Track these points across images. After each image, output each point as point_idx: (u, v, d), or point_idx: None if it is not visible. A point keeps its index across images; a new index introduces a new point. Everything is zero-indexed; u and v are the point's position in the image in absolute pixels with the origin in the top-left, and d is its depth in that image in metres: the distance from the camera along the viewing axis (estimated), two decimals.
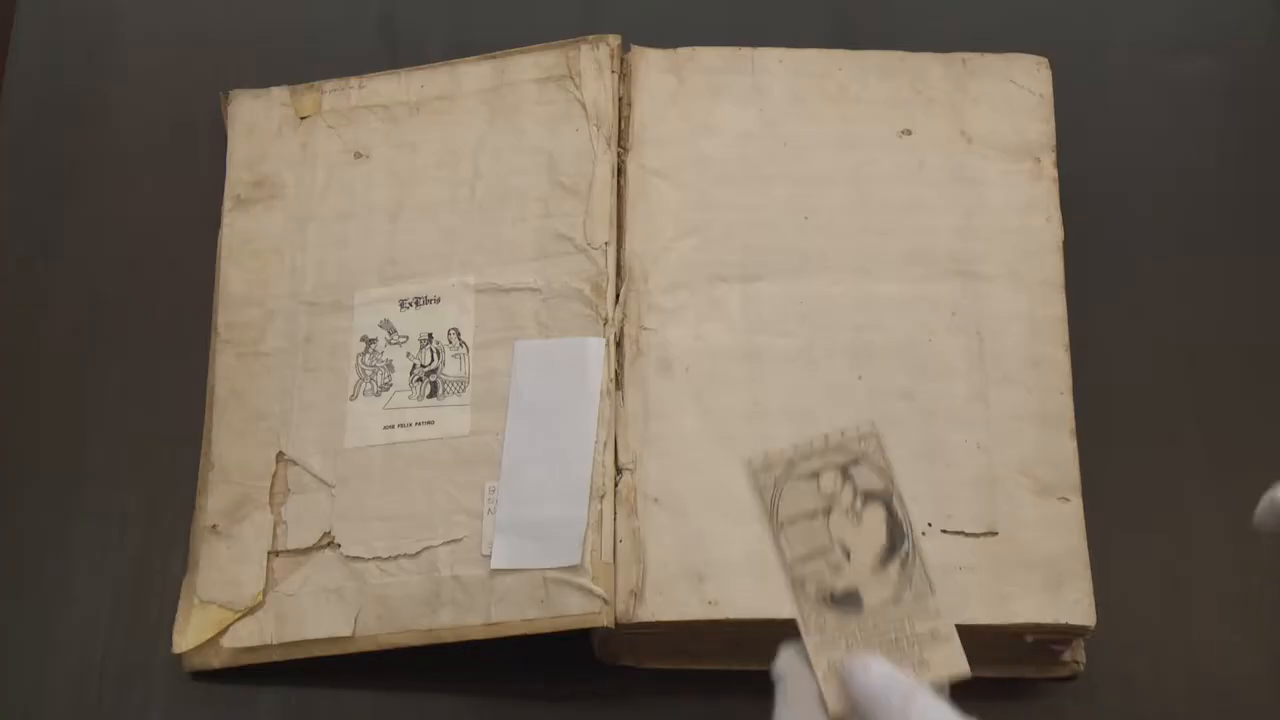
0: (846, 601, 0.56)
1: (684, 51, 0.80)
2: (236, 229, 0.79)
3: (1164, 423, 0.77)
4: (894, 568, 0.56)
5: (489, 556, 0.70)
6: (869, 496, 0.57)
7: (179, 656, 0.72)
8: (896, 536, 0.56)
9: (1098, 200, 0.81)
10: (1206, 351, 0.78)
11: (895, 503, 0.55)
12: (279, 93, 0.82)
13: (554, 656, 0.71)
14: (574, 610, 0.68)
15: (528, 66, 0.80)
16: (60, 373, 0.79)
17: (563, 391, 0.73)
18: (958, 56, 0.80)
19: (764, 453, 0.56)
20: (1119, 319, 0.79)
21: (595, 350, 0.73)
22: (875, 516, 0.57)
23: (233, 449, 0.75)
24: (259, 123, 0.81)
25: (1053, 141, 0.78)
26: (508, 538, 0.70)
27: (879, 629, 0.55)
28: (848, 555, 0.56)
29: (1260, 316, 0.79)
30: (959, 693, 0.71)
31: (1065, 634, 0.70)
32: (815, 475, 0.56)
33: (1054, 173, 0.78)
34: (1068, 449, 0.72)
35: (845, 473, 0.56)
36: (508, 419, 0.73)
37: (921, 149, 0.78)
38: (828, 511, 0.57)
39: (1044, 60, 0.79)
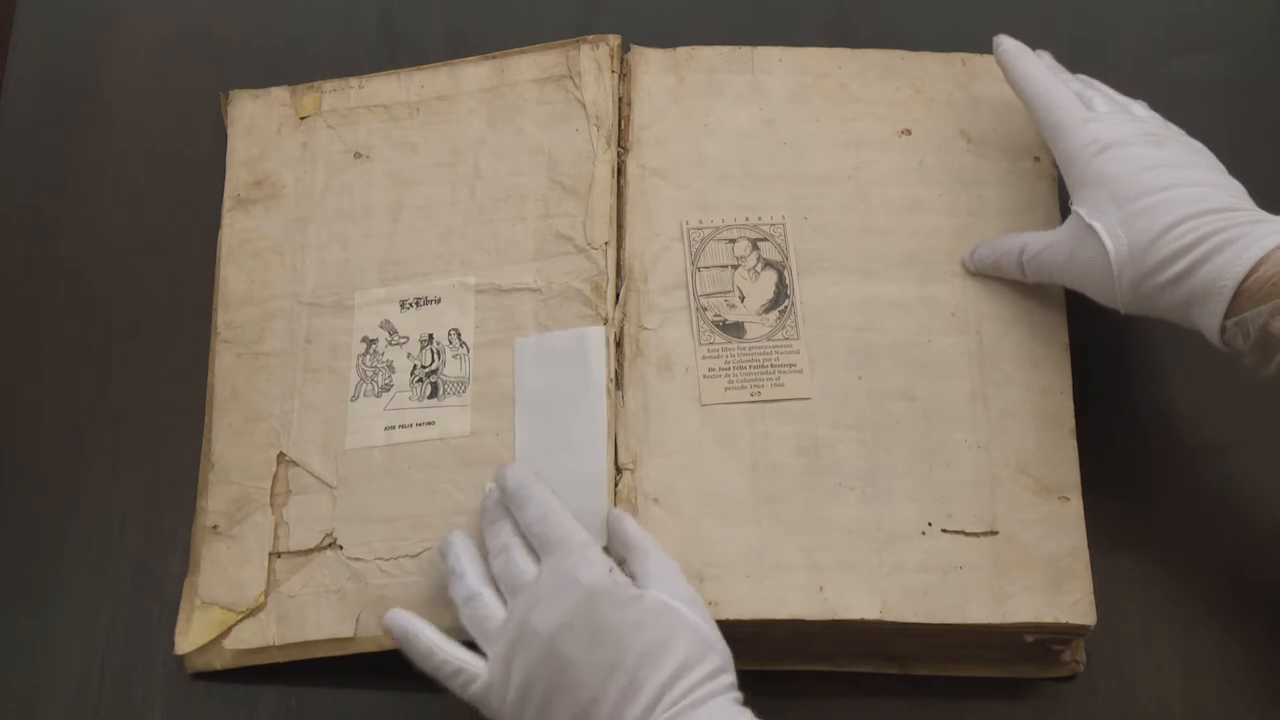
0: (733, 330, 0.73)
1: (684, 51, 0.80)
2: (236, 229, 0.79)
3: (1164, 423, 0.77)
4: (774, 315, 0.74)
5: None
6: (768, 264, 0.75)
7: (180, 657, 0.72)
8: (781, 295, 0.74)
9: None
10: (1206, 351, 0.78)
11: (787, 273, 0.74)
12: (279, 93, 0.82)
13: None
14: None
15: (528, 66, 0.80)
16: (60, 373, 0.79)
17: (568, 384, 0.73)
18: (957, 56, 0.80)
19: (698, 218, 0.75)
20: (1119, 319, 0.79)
21: (596, 339, 0.73)
22: (769, 278, 0.75)
23: (233, 449, 0.75)
24: (259, 123, 0.81)
25: None
26: None
27: (752, 353, 0.72)
28: (742, 299, 0.74)
29: None
30: (959, 692, 0.71)
31: (1065, 634, 0.70)
32: (732, 241, 0.75)
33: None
34: (1068, 449, 0.72)
35: (755, 244, 0.75)
36: (516, 416, 0.73)
37: (921, 149, 0.78)
38: (735, 267, 0.75)
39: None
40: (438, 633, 0.66)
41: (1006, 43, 0.74)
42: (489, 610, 0.65)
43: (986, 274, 0.75)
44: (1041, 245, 0.71)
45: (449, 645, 0.66)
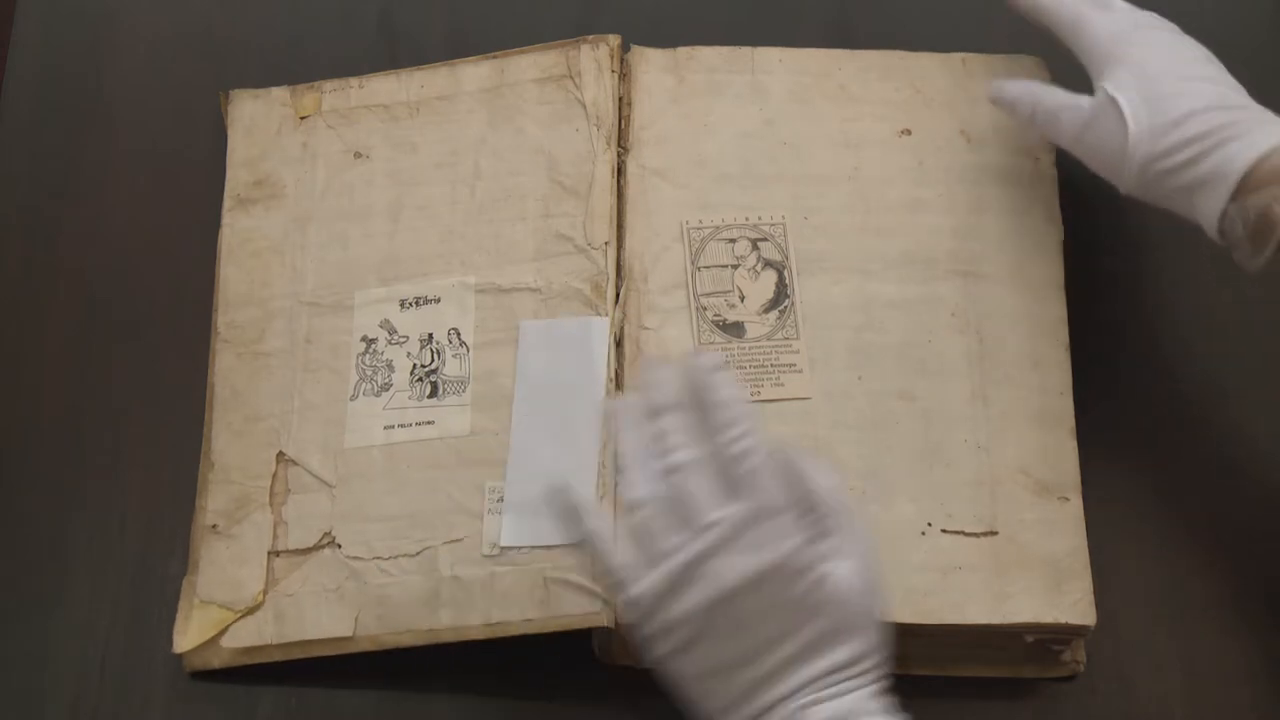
0: (732, 330, 0.73)
1: (684, 51, 0.80)
2: (236, 229, 0.79)
3: (1164, 423, 0.77)
4: (774, 315, 0.74)
5: (489, 556, 0.70)
6: (768, 264, 0.75)
7: (179, 656, 0.72)
8: (781, 295, 0.74)
9: (1098, 200, 0.80)
10: (1206, 351, 0.78)
11: (787, 273, 0.74)
12: (279, 93, 0.82)
13: (554, 656, 0.71)
14: (574, 610, 0.68)
15: (528, 66, 0.80)
16: (60, 373, 0.79)
17: (568, 371, 0.73)
18: (957, 56, 0.80)
19: (698, 218, 0.75)
20: (1119, 319, 0.79)
21: (600, 329, 0.73)
22: (769, 278, 0.75)
23: (233, 449, 0.75)
24: (259, 123, 0.81)
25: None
26: (517, 515, 0.70)
27: (752, 353, 0.72)
28: (742, 299, 0.74)
29: (1260, 316, 0.79)
30: (959, 692, 0.71)
31: (1065, 634, 0.70)
32: (732, 241, 0.75)
33: (1054, 173, 0.78)
34: (1068, 449, 0.72)
35: (755, 244, 0.75)
36: (515, 398, 0.73)
37: (921, 149, 0.78)
38: (735, 267, 0.75)
39: (1042, 61, 0.79)
40: (611, 535, 0.62)
41: None
42: (659, 528, 0.60)
43: (1000, 107, 0.75)
44: (1061, 104, 0.72)
45: (615, 547, 0.61)
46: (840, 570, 0.59)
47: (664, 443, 0.61)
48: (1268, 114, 0.67)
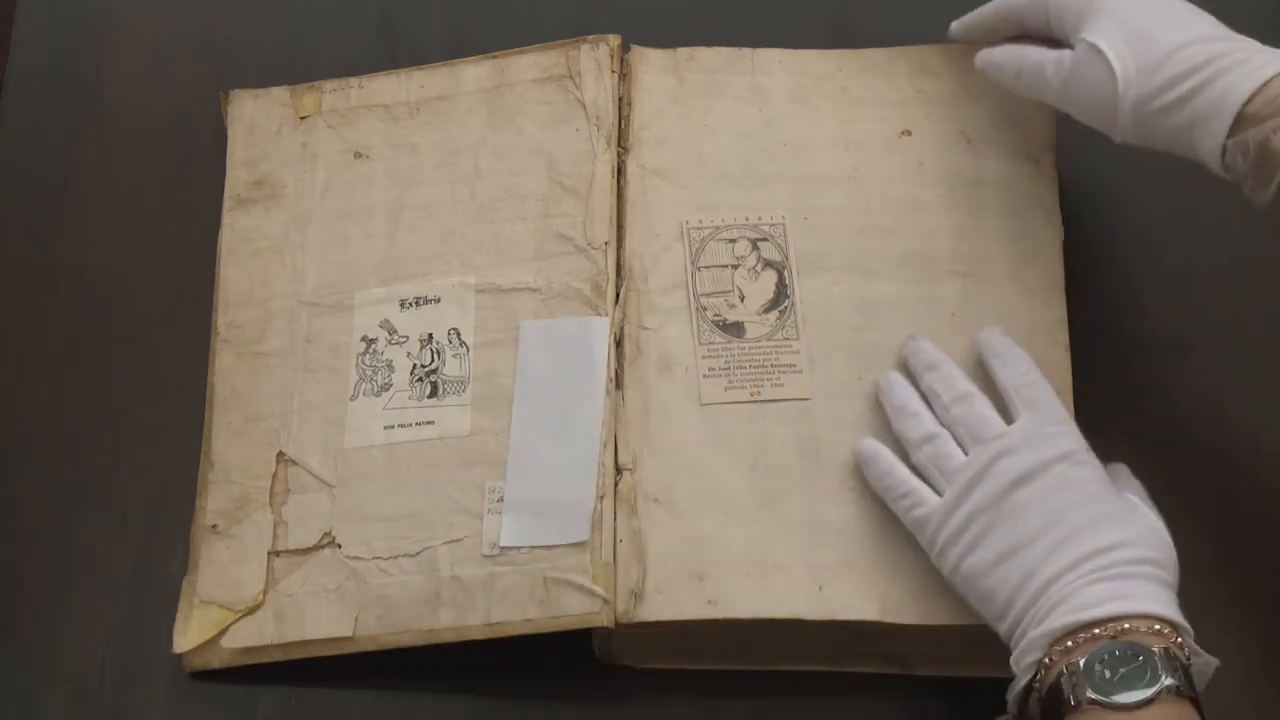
0: (733, 330, 0.74)
1: (684, 51, 0.80)
2: (236, 229, 0.79)
3: (1163, 423, 0.77)
4: (774, 315, 0.74)
5: (489, 556, 0.70)
6: (768, 264, 0.75)
7: (179, 656, 0.72)
8: (781, 295, 0.74)
9: (1098, 200, 0.81)
10: (1207, 351, 0.78)
11: (786, 273, 0.74)
12: (279, 93, 0.82)
13: (554, 656, 0.71)
14: (574, 610, 0.68)
15: (528, 66, 0.80)
16: (60, 372, 0.79)
17: (568, 371, 0.73)
18: (958, 48, 0.80)
19: (698, 218, 0.75)
20: (1119, 319, 0.79)
21: (600, 329, 0.73)
22: (769, 278, 0.75)
23: (233, 449, 0.75)
24: (259, 123, 0.81)
25: (1053, 141, 0.78)
26: (517, 515, 0.70)
27: (752, 353, 0.73)
28: (742, 299, 0.74)
29: (1260, 316, 0.79)
30: (959, 692, 0.71)
31: None
32: (732, 241, 0.75)
33: (1054, 173, 0.78)
34: None
35: (755, 244, 0.75)
36: (514, 397, 0.73)
37: (921, 149, 0.78)
38: (735, 267, 0.75)
39: None
40: (896, 459, 0.70)
41: None
42: (950, 451, 0.67)
43: (988, 73, 0.75)
44: (1044, 59, 0.71)
45: (902, 468, 0.69)
46: (1115, 474, 0.67)
47: (942, 386, 0.70)
48: (1260, 46, 0.66)
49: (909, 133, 0.79)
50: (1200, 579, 0.74)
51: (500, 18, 0.86)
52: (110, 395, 0.78)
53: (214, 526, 0.74)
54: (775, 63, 0.80)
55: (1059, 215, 0.77)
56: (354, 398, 0.75)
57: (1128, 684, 0.58)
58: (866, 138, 0.78)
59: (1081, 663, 0.59)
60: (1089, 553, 0.62)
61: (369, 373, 0.75)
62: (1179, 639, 0.60)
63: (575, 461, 0.71)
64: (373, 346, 0.76)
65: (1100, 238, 0.80)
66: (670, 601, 0.69)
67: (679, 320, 0.74)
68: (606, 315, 0.74)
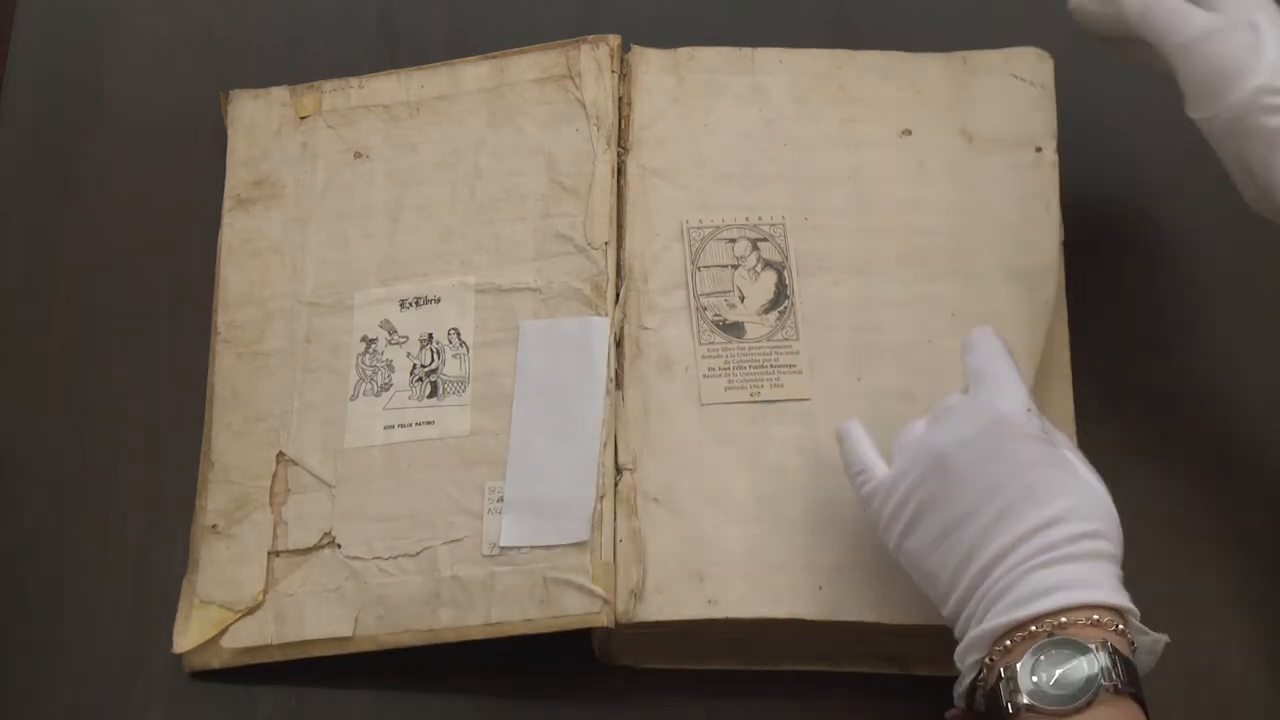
0: (732, 330, 0.74)
1: (684, 51, 0.80)
2: (236, 229, 0.79)
3: (1164, 422, 0.77)
4: (774, 315, 0.74)
5: (489, 556, 0.70)
6: (768, 264, 0.75)
7: (179, 656, 0.72)
8: (781, 295, 0.74)
9: (1099, 200, 0.81)
10: (1207, 351, 0.78)
11: (786, 273, 0.74)
12: (279, 93, 0.82)
13: (554, 656, 0.71)
14: (574, 610, 0.68)
15: (527, 66, 0.80)
16: (60, 372, 0.79)
17: (568, 370, 0.73)
18: (958, 55, 0.80)
19: (698, 218, 0.76)
20: (1119, 319, 0.79)
21: (600, 329, 0.73)
22: (769, 278, 0.75)
23: (233, 449, 0.75)
24: (259, 123, 0.81)
25: (1054, 130, 0.78)
26: (517, 515, 0.70)
27: (752, 353, 0.73)
28: (742, 299, 0.74)
29: (1261, 316, 0.79)
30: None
31: None
32: (732, 241, 0.75)
33: (1055, 173, 0.77)
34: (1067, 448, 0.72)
35: (755, 244, 0.75)
36: (514, 397, 0.73)
37: (921, 149, 0.78)
38: (735, 267, 0.75)
39: (1045, 53, 0.79)
40: (867, 437, 0.67)
41: None
42: (911, 426, 0.65)
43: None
44: (1189, 8, 0.67)
45: (866, 447, 0.67)
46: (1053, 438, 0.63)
47: None
48: None
49: (909, 133, 0.79)
50: (1201, 578, 0.74)
51: (500, 18, 0.86)
52: (110, 395, 0.78)
53: (214, 526, 0.74)
54: (775, 62, 0.80)
55: (1059, 216, 0.77)
56: (354, 398, 0.75)
57: (1062, 685, 0.57)
58: (866, 138, 0.78)
59: (1019, 666, 0.58)
60: (1027, 532, 0.60)
61: (369, 373, 0.75)
62: (1119, 625, 0.59)
63: (575, 461, 0.71)
64: (373, 346, 0.76)
65: (1101, 237, 0.80)
66: (670, 601, 0.69)
67: (679, 320, 0.74)
68: (606, 315, 0.74)
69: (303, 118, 0.81)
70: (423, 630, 0.70)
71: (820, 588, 0.69)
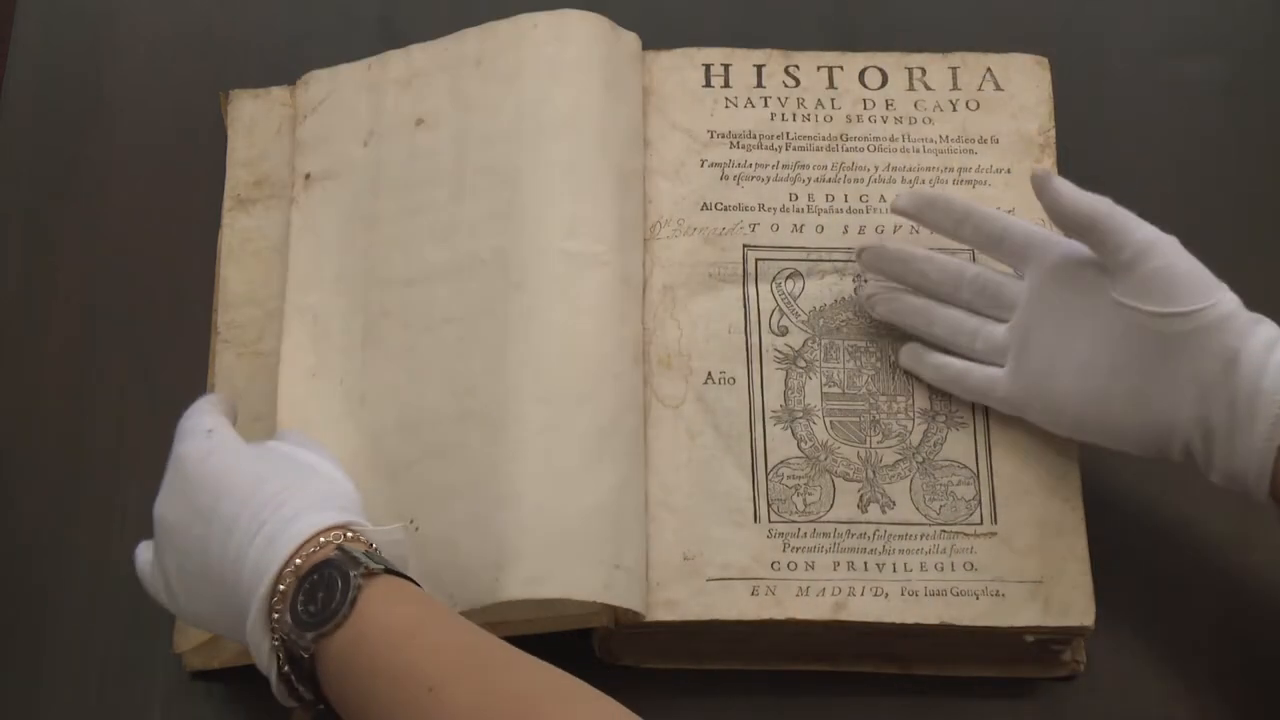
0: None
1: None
2: (236, 229, 0.79)
3: None
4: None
5: None
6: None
7: (179, 656, 0.72)
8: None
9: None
10: None
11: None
12: (279, 93, 0.82)
13: (554, 656, 0.71)
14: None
15: None
16: (60, 372, 0.79)
17: None
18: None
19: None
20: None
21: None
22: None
23: None
24: (259, 123, 0.81)
25: (1052, 139, 0.78)
26: None
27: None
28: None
29: (1263, 312, 0.79)
30: (959, 692, 0.71)
31: (1065, 634, 0.70)
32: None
33: (1052, 160, 0.77)
34: (1069, 449, 0.72)
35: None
36: None
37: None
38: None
39: (1044, 59, 0.79)
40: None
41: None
42: None
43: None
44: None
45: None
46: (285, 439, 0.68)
47: None
48: None
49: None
50: (1201, 579, 0.74)
51: (500, 19, 0.86)
52: (110, 396, 0.78)
53: None
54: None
55: None
56: None
57: (328, 604, 0.58)
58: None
59: (289, 618, 0.58)
60: (251, 519, 0.61)
61: None
62: (348, 534, 0.60)
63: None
64: None
65: None
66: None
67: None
68: None
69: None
70: None
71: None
